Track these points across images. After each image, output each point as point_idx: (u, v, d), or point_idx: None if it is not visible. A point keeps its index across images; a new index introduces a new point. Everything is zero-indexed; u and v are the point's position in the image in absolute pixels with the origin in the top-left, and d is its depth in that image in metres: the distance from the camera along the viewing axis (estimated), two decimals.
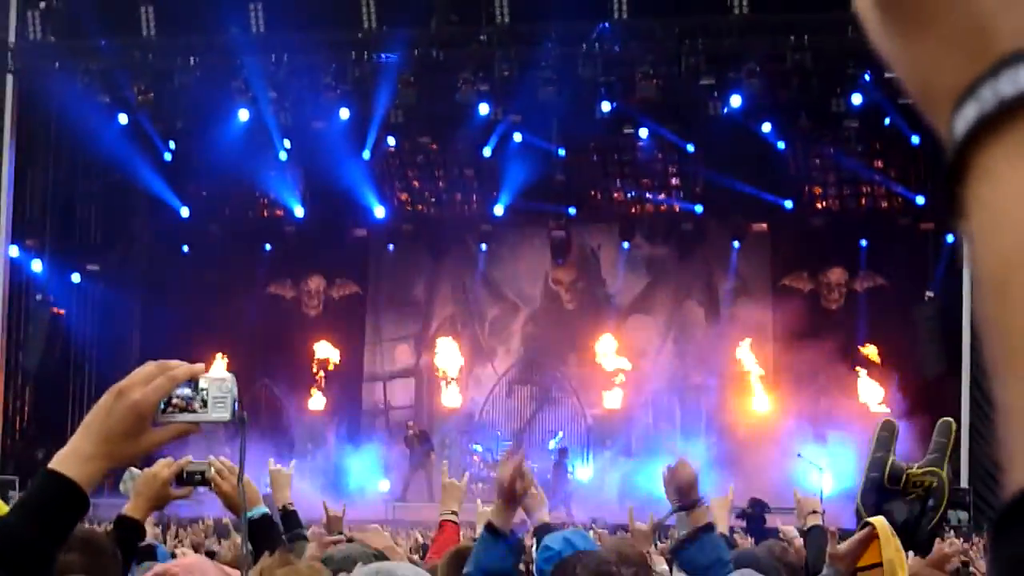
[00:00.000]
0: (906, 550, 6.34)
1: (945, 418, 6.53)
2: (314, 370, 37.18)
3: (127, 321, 36.39)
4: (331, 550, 6.61)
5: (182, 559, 6.16)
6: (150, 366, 3.04)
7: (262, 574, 3.76)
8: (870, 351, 34.76)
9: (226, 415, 3.08)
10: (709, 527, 6.02)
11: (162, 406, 3.01)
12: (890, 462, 6.29)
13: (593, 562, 5.18)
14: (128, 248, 36.99)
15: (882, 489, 6.27)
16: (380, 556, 6.48)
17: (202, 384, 3.07)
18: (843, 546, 5.75)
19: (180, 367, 3.04)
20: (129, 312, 36.61)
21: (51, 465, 2.85)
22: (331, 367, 37.39)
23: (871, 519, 6.06)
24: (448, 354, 37.38)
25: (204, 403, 3.05)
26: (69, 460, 2.85)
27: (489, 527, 6.02)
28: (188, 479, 5.97)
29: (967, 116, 0.87)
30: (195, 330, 35.12)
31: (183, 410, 3.04)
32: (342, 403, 37.44)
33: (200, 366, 3.10)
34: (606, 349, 36.52)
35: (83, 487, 2.82)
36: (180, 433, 3.02)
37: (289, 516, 8.32)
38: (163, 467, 5.86)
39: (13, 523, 2.75)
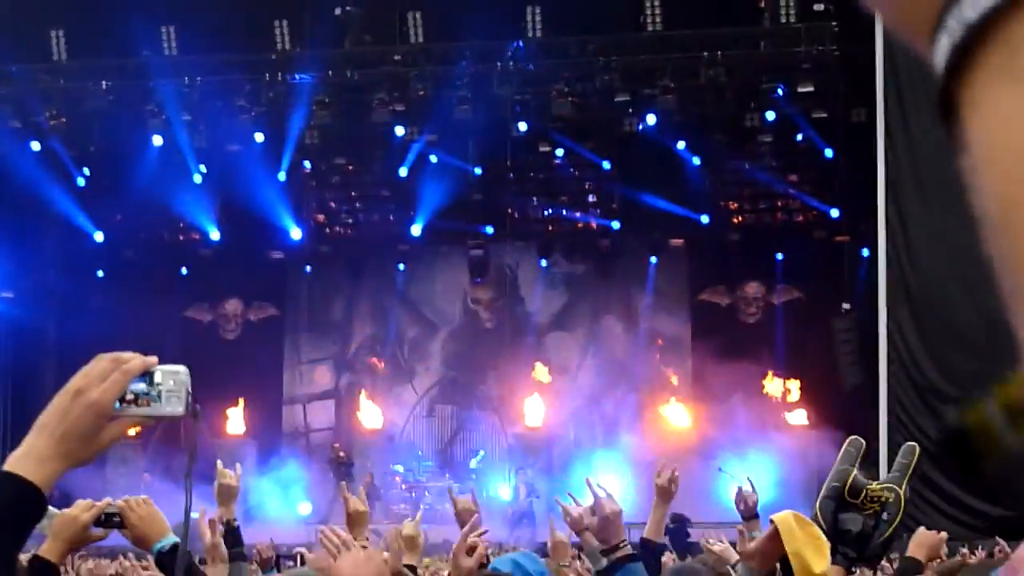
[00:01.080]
0: (857, 561, 6.48)
1: (909, 443, 6.78)
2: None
3: (41, 347, 36.02)
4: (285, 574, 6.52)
5: None
6: (104, 361, 2.97)
7: None
8: (788, 364, 34.97)
9: (180, 409, 3.04)
10: (631, 557, 6.02)
11: (116, 402, 2.96)
12: (852, 475, 6.47)
13: None
14: (42, 274, 36.61)
15: (841, 500, 6.44)
16: None
17: (156, 378, 3.02)
18: (752, 544, 5.86)
19: (134, 360, 2.98)
20: (43, 338, 36.24)
21: (6, 467, 2.78)
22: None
23: (773, 516, 6.20)
24: (370, 413, 37.27)
25: (159, 396, 3.01)
26: (25, 461, 2.79)
27: None
28: (106, 521, 5.89)
29: (942, 49, 0.83)
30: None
31: (137, 404, 2.99)
32: (261, 426, 37.24)
33: (154, 359, 3.04)
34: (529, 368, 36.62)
35: (41, 489, 2.76)
36: (134, 427, 2.98)
37: (232, 533, 7.98)
38: (82, 510, 5.77)
39: None
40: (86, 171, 35.28)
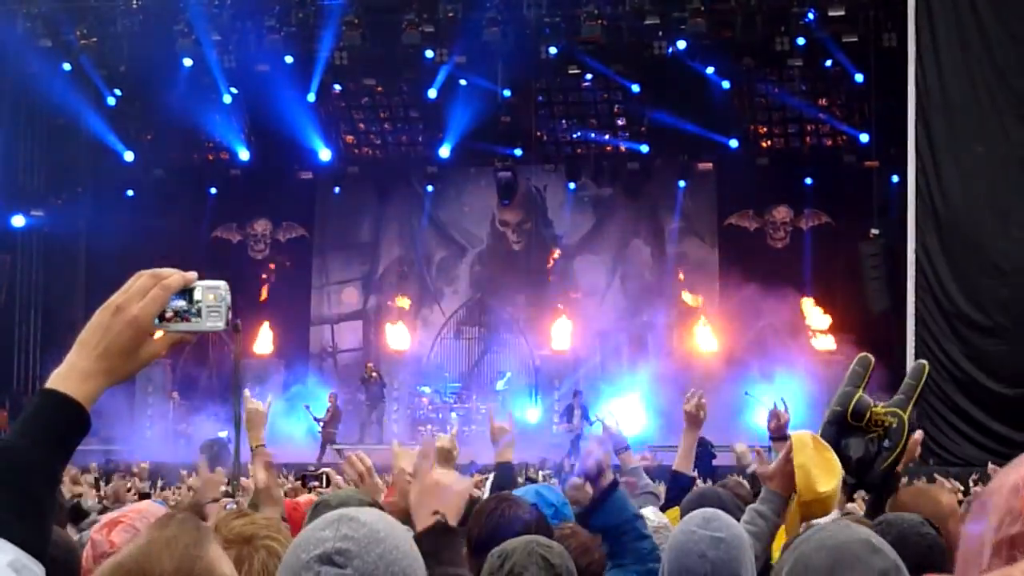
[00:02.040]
0: (858, 488, 6.37)
1: (920, 360, 6.53)
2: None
3: (71, 265, 36.15)
4: (326, 495, 6.59)
5: (134, 505, 6.13)
6: (144, 277, 2.97)
7: (218, 527, 3.75)
8: (816, 289, 34.95)
9: (221, 324, 3.02)
10: (612, 486, 5.97)
11: (156, 318, 2.99)
12: (856, 397, 6.31)
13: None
14: (72, 193, 36.69)
15: (844, 423, 6.29)
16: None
17: (196, 294, 3.02)
18: (772, 465, 5.71)
19: (174, 276, 2.97)
20: (73, 256, 36.35)
21: (49, 384, 2.79)
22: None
23: (789, 432, 6.05)
24: (397, 334, 37.37)
25: (199, 312, 3.01)
26: (68, 378, 2.79)
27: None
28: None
29: None
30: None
31: (177, 320, 3.01)
32: (289, 346, 37.39)
33: (193, 274, 3.03)
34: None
35: (84, 405, 2.78)
36: (176, 343, 2.99)
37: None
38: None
39: (17, 444, 2.68)
40: (116, 91, 35.25)
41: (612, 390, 32.56)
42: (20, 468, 2.64)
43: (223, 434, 32.10)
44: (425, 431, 31.83)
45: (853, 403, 6.30)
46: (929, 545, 5.14)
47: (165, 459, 26.40)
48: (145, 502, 6.85)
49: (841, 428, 6.29)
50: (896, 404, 6.38)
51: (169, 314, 2.97)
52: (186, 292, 3.01)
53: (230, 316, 3.07)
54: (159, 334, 2.96)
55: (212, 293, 3.04)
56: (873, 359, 6.51)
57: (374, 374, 34.97)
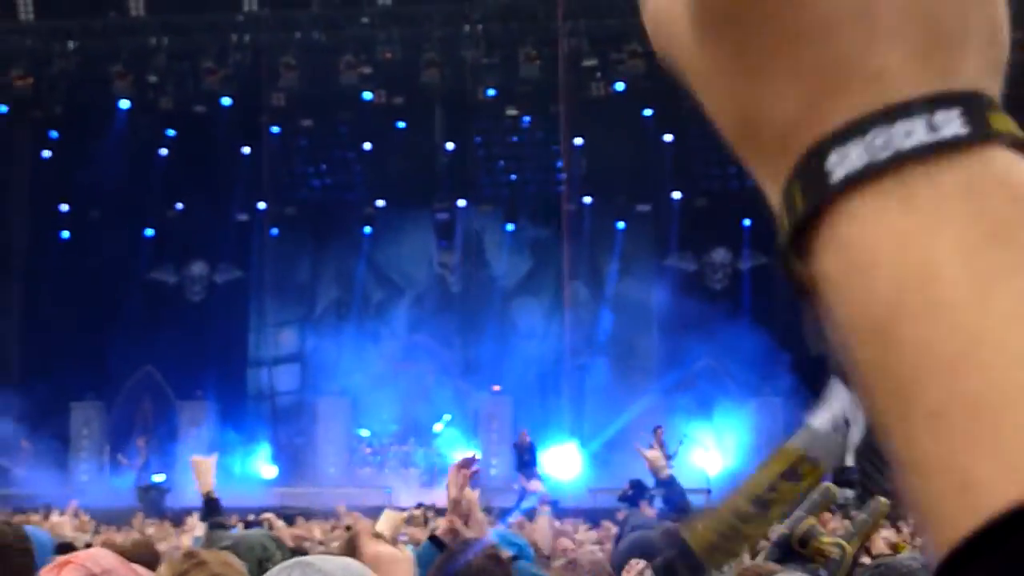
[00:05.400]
0: None
1: (879, 496, 6.49)
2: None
3: (6, 311, 35.92)
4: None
5: (85, 550, 6.04)
6: None
7: (171, 567, 3.66)
8: (755, 329, 35.03)
9: None
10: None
11: None
12: (808, 525, 6.27)
13: None
14: (5, 236, 36.45)
15: (788, 548, 6.28)
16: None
17: None
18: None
19: None
20: (8, 302, 36.11)
21: None
22: None
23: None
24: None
25: None
26: None
27: None
28: None
29: (850, 161, 0.80)
30: (75, 318, 34.88)
31: None
32: (227, 389, 37.13)
33: None
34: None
35: None
36: None
37: (211, 504, 8.40)
38: None
39: None
40: (53, 133, 35.11)
41: (552, 436, 32.59)
42: None
43: (159, 479, 31.98)
44: (364, 474, 31.83)
45: (803, 530, 6.25)
46: None
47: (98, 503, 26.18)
48: (95, 548, 6.74)
49: (784, 552, 6.28)
50: (845, 536, 6.34)
51: None
52: None
53: None
54: None
55: None
56: (835, 491, 6.49)
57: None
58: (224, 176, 35.97)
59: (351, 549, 4.34)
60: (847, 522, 6.41)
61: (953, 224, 0.77)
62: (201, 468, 8.61)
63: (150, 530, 17.77)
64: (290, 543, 8.77)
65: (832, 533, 6.36)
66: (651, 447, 8.80)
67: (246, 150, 36.07)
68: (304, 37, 32.42)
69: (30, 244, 36.94)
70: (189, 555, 3.87)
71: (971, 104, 0.80)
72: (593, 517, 23.24)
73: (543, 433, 33.92)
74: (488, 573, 5.19)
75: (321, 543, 15.38)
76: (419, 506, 22.61)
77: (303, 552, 7.73)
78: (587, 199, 36.47)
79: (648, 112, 34.15)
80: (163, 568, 3.64)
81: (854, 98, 0.82)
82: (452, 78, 32.41)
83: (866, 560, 6.69)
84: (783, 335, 34.34)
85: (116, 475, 33.31)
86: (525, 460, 31.64)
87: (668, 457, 31.00)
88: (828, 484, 6.43)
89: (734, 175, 36.81)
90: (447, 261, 37.66)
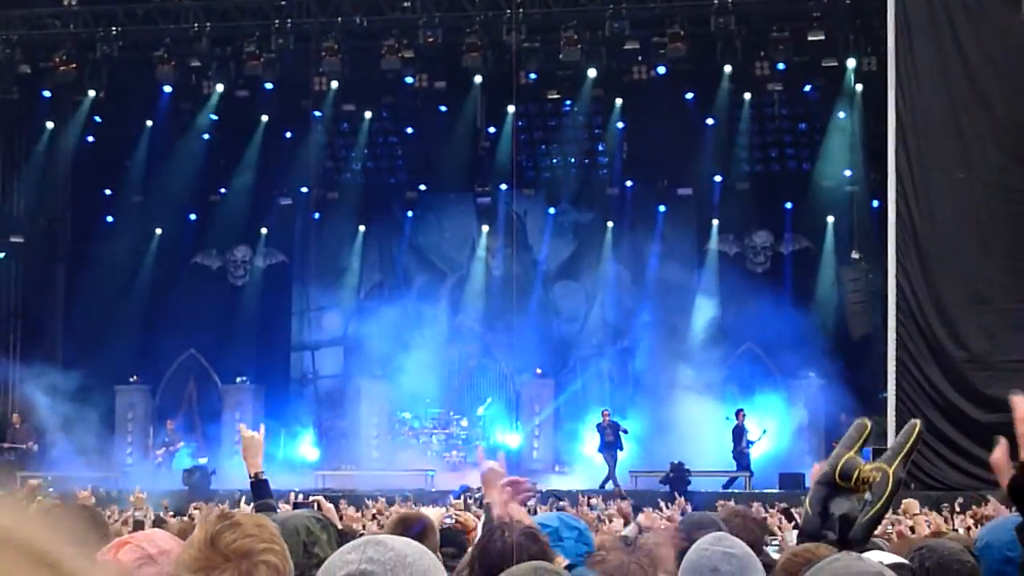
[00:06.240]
0: (839, 545, 6.37)
1: (913, 419, 6.59)
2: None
3: (50, 292, 36.11)
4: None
5: (141, 531, 6.05)
6: None
7: (213, 540, 3.68)
8: (797, 312, 34.94)
9: None
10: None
11: None
12: (845, 458, 6.39)
13: None
14: (52, 218, 36.65)
15: (833, 484, 6.38)
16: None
17: None
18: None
19: None
20: (52, 283, 36.32)
21: None
22: None
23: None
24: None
25: None
26: None
27: None
28: None
29: None
30: (120, 302, 35.08)
31: None
32: (269, 373, 37.26)
33: None
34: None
35: None
36: None
37: (259, 485, 8.03)
38: None
39: None
40: (96, 118, 35.29)
41: (597, 417, 32.57)
42: None
43: (203, 461, 32.13)
44: (405, 457, 31.89)
45: (842, 464, 6.38)
46: (969, 573, 5.18)
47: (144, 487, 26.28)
48: (153, 529, 6.77)
49: (830, 488, 6.38)
50: (884, 459, 6.44)
51: None
52: None
53: None
54: None
55: None
56: (870, 424, 6.61)
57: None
58: (267, 160, 36.10)
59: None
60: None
61: None
62: (250, 445, 8.30)
63: (195, 512, 17.79)
64: (339, 525, 8.70)
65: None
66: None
67: (288, 134, 36.19)
68: (346, 21, 32.38)
69: (74, 229, 37.17)
70: (223, 516, 3.88)
71: None
72: (636, 500, 23.19)
73: (584, 416, 33.98)
74: (525, 549, 5.24)
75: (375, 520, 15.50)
76: (463, 490, 22.57)
77: (352, 534, 7.74)
78: (628, 182, 36.42)
79: (690, 95, 34.12)
80: (197, 530, 3.66)
81: None
82: (494, 62, 32.38)
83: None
84: (824, 318, 34.30)
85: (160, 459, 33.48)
86: (608, 441, 31.70)
87: (747, 444, 31.24)
88: (863, 419, 6.57)
89: (775, 158, 36.73)
90: (489, 245, 37.66)
